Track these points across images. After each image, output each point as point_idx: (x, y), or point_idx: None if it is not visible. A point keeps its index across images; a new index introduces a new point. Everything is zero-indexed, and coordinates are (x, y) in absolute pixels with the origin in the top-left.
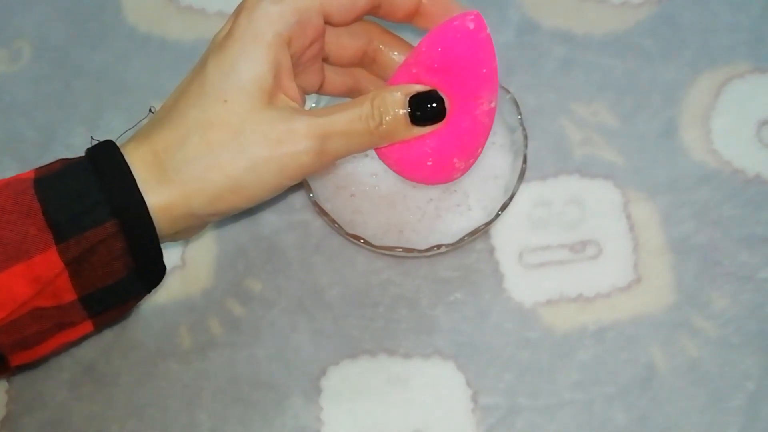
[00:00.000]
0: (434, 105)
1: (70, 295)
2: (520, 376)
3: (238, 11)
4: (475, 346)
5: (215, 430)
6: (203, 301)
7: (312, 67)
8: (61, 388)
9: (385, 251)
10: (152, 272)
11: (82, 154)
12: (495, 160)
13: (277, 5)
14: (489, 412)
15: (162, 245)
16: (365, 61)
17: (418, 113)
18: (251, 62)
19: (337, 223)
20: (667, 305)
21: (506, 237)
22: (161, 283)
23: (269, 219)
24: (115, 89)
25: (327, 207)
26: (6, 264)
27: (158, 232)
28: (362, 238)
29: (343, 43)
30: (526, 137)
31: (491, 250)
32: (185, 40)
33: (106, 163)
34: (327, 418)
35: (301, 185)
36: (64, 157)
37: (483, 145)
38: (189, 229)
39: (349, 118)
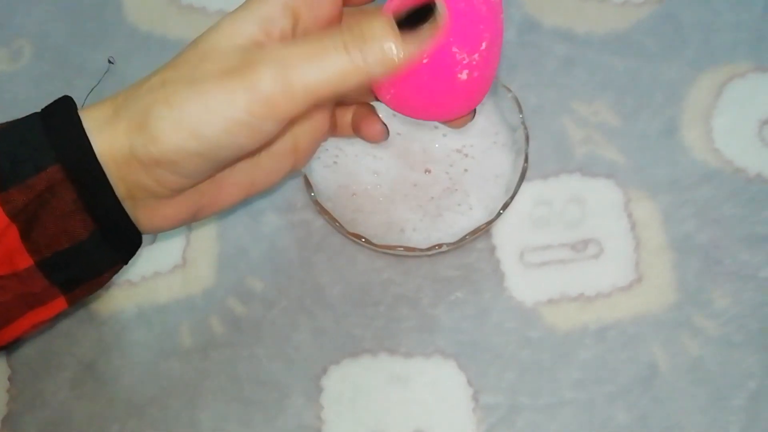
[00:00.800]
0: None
1: (24, 260)
2: (521, 375)
3: None
4: (476, 345)
5: (216, 429)
6: (204, 301)
7: None
8: (62, 387)
9: (387, 250)
10: (120, 236)
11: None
12: (496, 159)
13: None
14: (490, 411)
15: (158, 239)
16: None
17: (408, 21)
18: (236, 15)
19: (338, 222)
20: (669, 304)
21: (507, 236)
22: (137, 259)
23: (270, 218)
24: (117, 88)
25: (328, 206)
26: None
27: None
28: (363, 237)
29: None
30: (527, 136)
31: (492, 249)
32: (186, 38)
33: (55, 113)
34: (328, 417)
35: (299, 181)
36: None
37: (487, 42)
38: (146, 194)
39: (315, 38)
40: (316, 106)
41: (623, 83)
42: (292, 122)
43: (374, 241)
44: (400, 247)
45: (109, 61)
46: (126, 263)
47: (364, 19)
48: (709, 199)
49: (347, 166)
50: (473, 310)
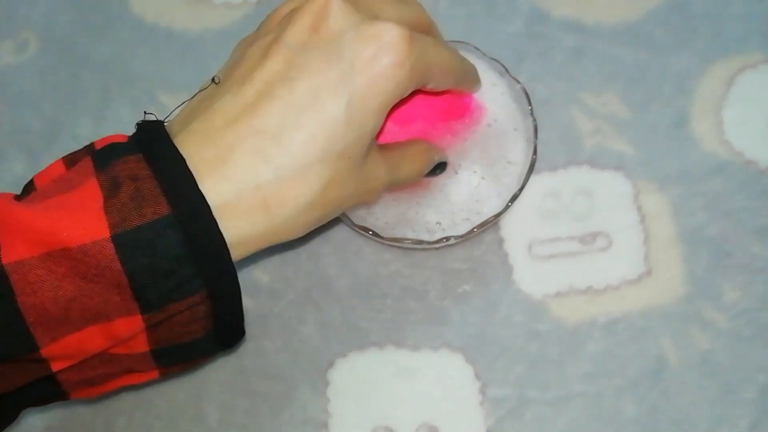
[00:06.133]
0: (441, 169)
1: (143, 347)
2: (529, 368)
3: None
4: (484, 338)
5: (222, 421)
6: None
7: None
8: None
9: (394, 243)
10: (230, 336)
11: (89, 144)
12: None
13: (409, 74)
14: (498, 404)
15: None
16: None
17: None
18: (376, 122)
19: (345, 214)
20: (678, 297)
21: (515, 228)
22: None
23: None
24: (122, 79)
25: None
26: (84, 324)
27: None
28: (371, 230)
29: None
30: (536, 128)
31: (500, 242)
32: (192, 30)
33: (196, 225)
34: (334, 411)
35: None
36: (69, 149)
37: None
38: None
39: (416, 171)
40: None
41: (633, 74)
42: None
43: (382, 233)
44: (408, 239)
45: (213, 80)
46: (222, 352)
47: (433, 154)
48: (720, 192)
49: None
50: (481, 302)
